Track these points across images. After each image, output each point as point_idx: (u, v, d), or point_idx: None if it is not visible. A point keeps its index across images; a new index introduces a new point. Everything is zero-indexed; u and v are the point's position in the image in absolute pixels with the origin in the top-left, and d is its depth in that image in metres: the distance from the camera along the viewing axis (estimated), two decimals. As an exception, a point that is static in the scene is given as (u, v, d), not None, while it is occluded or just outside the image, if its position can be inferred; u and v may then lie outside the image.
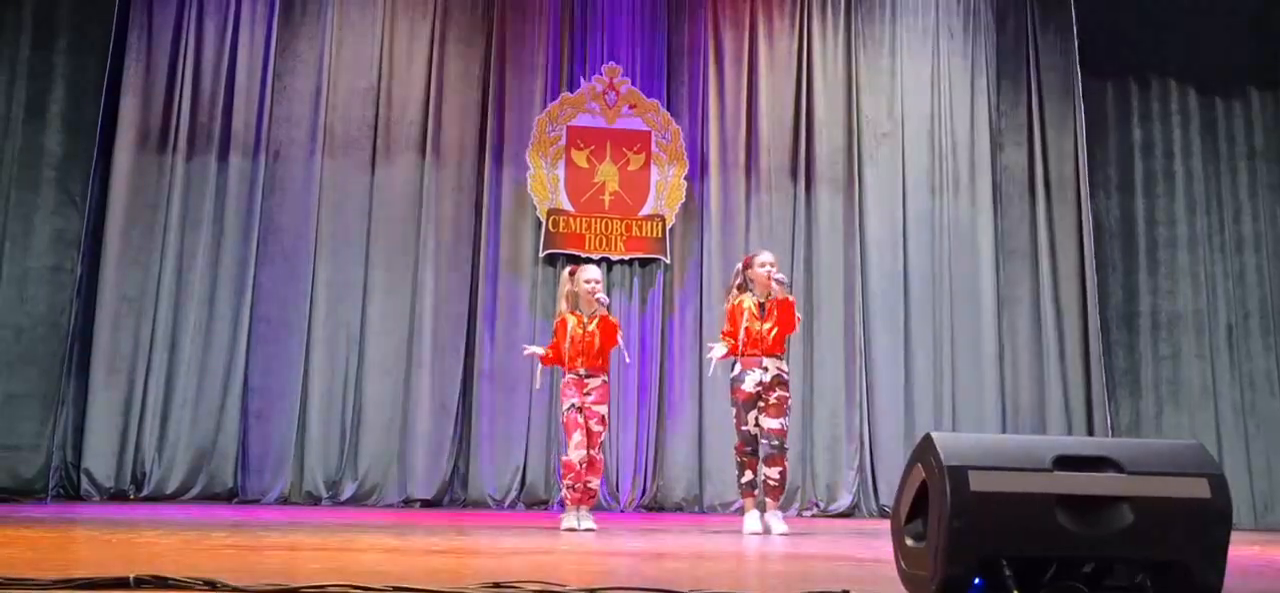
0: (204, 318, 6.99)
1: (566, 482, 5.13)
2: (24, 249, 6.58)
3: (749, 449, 5.19)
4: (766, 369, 5.20)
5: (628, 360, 6.64)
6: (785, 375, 5.25)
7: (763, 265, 5.31)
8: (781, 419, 5.17)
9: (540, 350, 5.43)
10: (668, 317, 7.46)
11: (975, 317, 7.72)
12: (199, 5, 7.30)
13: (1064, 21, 7.96)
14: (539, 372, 5.79)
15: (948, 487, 2.09)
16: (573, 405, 5.14)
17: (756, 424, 5.17)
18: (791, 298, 5.32)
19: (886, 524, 2.66)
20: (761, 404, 5.18)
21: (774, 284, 5.23)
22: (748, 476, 5.22)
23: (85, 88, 6.79)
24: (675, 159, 7.59)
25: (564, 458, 5.20)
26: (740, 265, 5.50)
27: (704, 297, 7.46)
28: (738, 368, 5.27)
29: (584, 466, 5.09)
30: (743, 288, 5.38)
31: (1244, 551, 4.67)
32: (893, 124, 7.89)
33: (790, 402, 5.29)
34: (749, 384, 5.19)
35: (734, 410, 5.27)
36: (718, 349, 5.35)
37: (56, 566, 2.76)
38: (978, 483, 2.10)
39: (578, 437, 5.09)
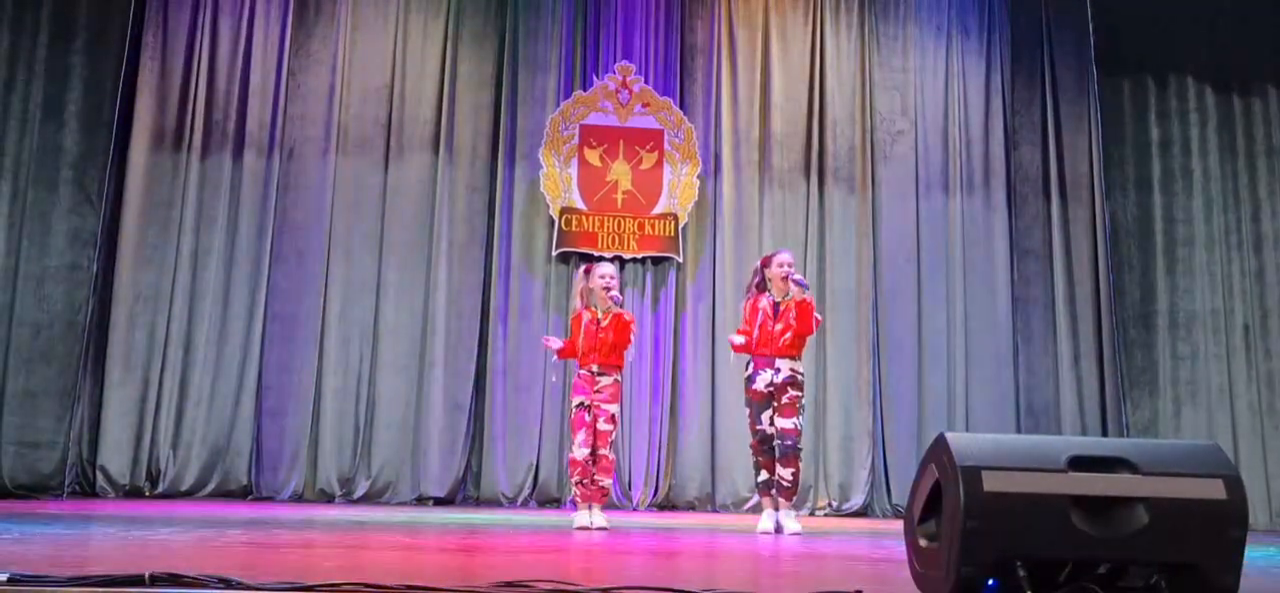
0: (218, 316, 7.03)
1: (574, 478, 5.19)
2: (41, 248, 6.62)
3: (765, 449, 5.17)
4: (778, 370, 5.17)
5: (631, 359, 6.64)
6: (799, 376, 5.22)
7: (780, 266, 5.28)
8: (794, 419, 5.14)
9: (558, 343, 5.46)
10: (680, 315, 7.45)
11: (989, 316, 7.69)
12: (214, 5, 7.34)
13: (1079, 19, 7.90)
14: (552, 363, 5.81)
15: (961, 487, 2.08)
16: (580, 404, 5.18)
17: (771, 423, 5.15)
18: (809, 299, 5.26)
19: (900, 524, 2.65)
20: (774, 404, 5.16)
21: (792, 286, 5.20)
22: (763, 475, 5.20)
23: (101, 87, 6.83)
24: (688, 158, 7.58)
25: (570, 455, 5.25)
26: (758, 263, 5.48)
27: (717, 295, 7.45)
28: (750, 368, 5.26)
29: (589, 462, 5.11)
30: (760, 287, 5.36)
31: (1260, 552, 4.64)
32: (907, 122, 7.86)
33: (803, 401, 5.26)
34: (761, 384, 5.17)
35: (748, 411, 5.26)
36: (737, 340, 5.32)
37: (73, 563, 2.78)
38: (991, 483, 2.09)
39: (582, 434, 5.13)
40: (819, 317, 5.35)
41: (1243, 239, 7.51)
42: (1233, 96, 7.67)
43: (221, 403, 6.94)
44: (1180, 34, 7.64)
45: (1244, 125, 7.65)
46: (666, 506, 7.16)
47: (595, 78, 7.63)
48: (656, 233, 7.46)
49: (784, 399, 5.14)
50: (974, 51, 8.03)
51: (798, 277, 5.24)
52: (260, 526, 4.57)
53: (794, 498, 5.23)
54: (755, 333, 5.24)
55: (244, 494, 6.85)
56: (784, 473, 5.13)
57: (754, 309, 5.29)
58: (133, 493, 6.70)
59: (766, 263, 5.38)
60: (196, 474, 6.82)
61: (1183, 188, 7.58)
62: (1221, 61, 7.65)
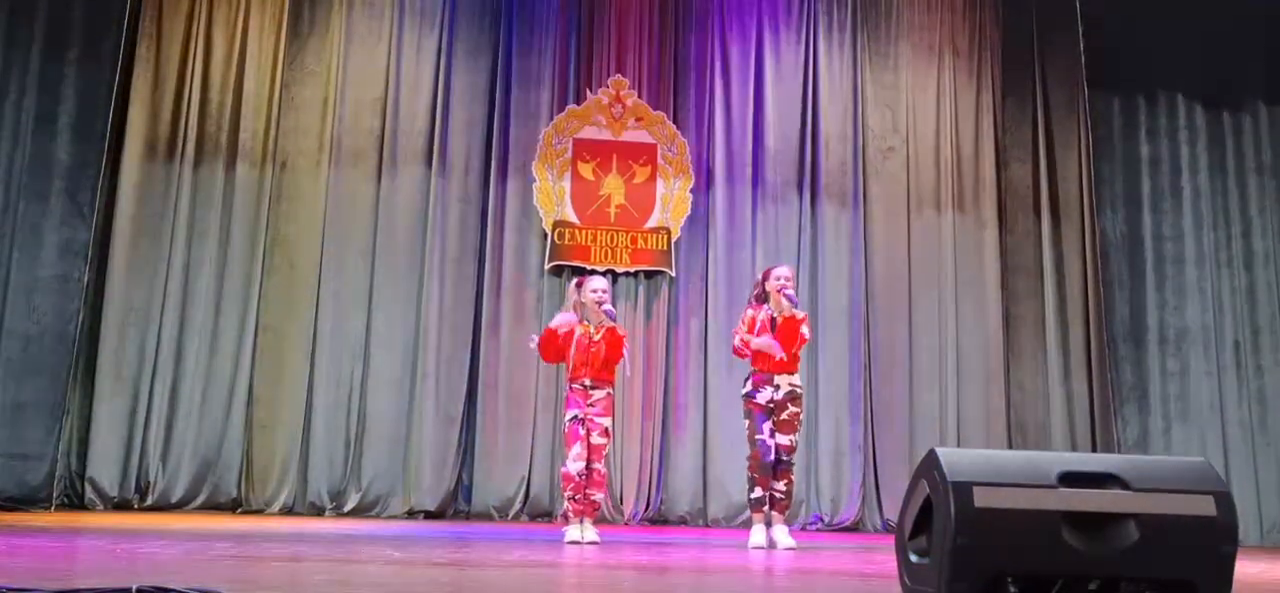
0: (210, 328, 7.01)
1: (567, 493, 5.15)
2: (32, 258, 6.60)
3: (762, 466, 5.16)
4: (778, 386, 5.18)
5: (627, 374, 6.63)
6: (798, 391, 5.24)
7: (777, 279, 5.31)
8: (792, 436, 5.18)
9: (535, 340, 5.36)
10: (673, 329, 7.45)
11: (980, 332, 7.70)
12: (208, 16, 7.34)
13: (1069, 38, 7.92)
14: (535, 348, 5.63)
15: (952, 503, 2.08)
16: (574, 417, 5.16)
17: (772, 435, 5.16)
18: (799, 316, 5.26)
19: (891, 539, 2.65)
20: (774, 419, 5.17)
21: (783, 301, 5.21)
22: (758, 491, 5.18)
23: (95, 98, 6.81)
24: (681, 172, 7.59)
25: (563, 469, 5.22)
26: (760, 277, 5.51)
27: (709, 309, 7.46)
28: (749, 383, 5.27)
29: (583, 477, 5.09)
30: (761, 299, 5.38)
31: (1250, 568, 4.64)
32: (898, 139, 7.89)
33: (801, 417, 5.28)
34: (762, 398, 5.19)
35: (748, 424, 5.26)
36: (755, 341, 5.27)
37: (59, 575, 2.76)
38: (982, 499, 2.09)
39: (577, 448, 5.11)
40: (805, 334, 5.30)
41: (1233, 256, 7.54)
42: (1223, 114, 7.72)
43: (212, 415, 6.91)
44: (1170, 52, 7.68)
45: (1234, 143, 7.69)
46: (659, 520, 7.14)
47: (589, 92, 7.64)
48: (649, 247, 7.47)
49: (783, 416, 5.16)
50: (965, 69, 8.06)
51: (789, 292, 5.25)
52: (249, 539, 4.55)
53: (788, 511, 5.24)
54: (752, 345, 5.26)
55: (234, 507, 6.82)
56: (778, 485, 5.14)
57: (754, 323, 5.30)
58: (122, 506, 6.67)
59: (767, 276, 5.40)
60: (186, 487, 6.78)
61: (1173, 205, 7.61)
62: (1212, 79, 7.69)
